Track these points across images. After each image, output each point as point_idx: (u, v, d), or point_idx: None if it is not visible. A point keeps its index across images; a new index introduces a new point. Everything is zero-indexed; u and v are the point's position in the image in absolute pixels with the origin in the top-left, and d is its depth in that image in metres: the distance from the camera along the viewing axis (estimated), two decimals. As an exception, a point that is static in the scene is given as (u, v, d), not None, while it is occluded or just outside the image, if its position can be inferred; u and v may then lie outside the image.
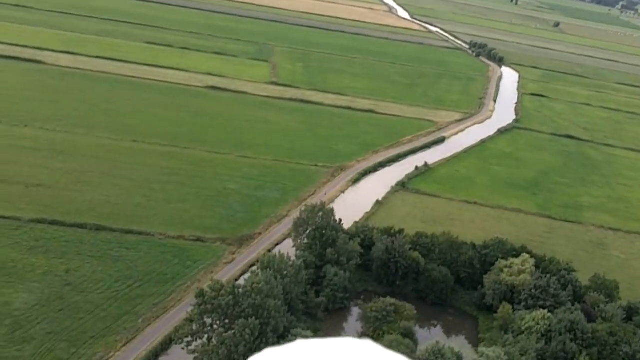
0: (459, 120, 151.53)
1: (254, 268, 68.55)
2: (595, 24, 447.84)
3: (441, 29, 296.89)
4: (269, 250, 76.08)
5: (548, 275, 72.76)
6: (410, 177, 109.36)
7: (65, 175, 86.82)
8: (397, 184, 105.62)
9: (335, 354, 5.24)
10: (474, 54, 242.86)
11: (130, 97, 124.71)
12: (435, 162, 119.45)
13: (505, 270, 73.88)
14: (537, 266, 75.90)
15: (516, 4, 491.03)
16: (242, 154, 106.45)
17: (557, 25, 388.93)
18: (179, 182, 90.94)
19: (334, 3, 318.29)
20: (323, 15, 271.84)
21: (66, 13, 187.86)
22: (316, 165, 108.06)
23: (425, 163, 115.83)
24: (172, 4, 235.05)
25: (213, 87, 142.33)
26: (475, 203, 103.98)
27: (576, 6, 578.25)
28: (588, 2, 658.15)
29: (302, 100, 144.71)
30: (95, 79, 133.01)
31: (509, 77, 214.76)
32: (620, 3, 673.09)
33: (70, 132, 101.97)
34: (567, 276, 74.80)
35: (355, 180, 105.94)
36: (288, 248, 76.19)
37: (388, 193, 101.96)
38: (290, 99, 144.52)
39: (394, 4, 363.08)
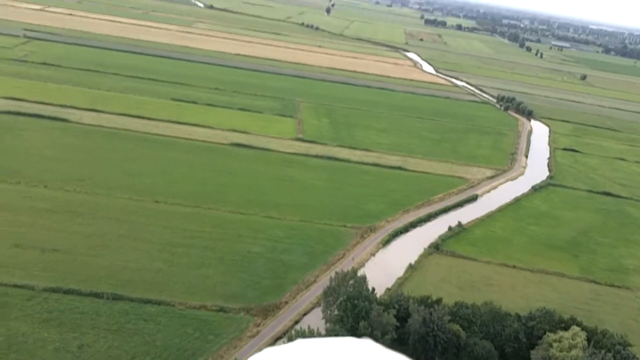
0: (491, 177, 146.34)
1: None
2: (622, 76, 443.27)
3: (467, 82, 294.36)
4: (296, 322, 70.87)
5: (602, 351, 66.32)
6: (443, 239, 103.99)
7: (83, 239, 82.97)
8: (430, 246, 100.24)
9: (335, 354, 5.36)
10: (502, 107, 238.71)
11: (153, 156, 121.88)
12: (469, 222, 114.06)
13: (555, 345, 67.60)
14: (588, 340, 69.52)
15: (541, 57, 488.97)
16: (267, 214, 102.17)
17: (584, 77, 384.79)
18: (202, 246, 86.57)
19: (358, 58, 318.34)
20: (347, 70, 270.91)
21: (92, 70, 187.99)
22: (345, 226, 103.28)
23: (459, 223, 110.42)
24: (197, 61, 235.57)
25: (238, 144, 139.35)
26: (514, 266, 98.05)
27: (601, 59, 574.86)
28: (613, 54, 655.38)
29: (328, 157, 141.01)
30: (119, 137, 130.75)
31: (539, 131, 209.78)
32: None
33: (91, 192, 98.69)
34: (622, 351, 68.26)
35: (386, 242, 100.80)
36: (317, 319, 70.93)
37: (421, 256, 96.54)
38: (317, 156, 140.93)
39: (418, 59, 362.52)
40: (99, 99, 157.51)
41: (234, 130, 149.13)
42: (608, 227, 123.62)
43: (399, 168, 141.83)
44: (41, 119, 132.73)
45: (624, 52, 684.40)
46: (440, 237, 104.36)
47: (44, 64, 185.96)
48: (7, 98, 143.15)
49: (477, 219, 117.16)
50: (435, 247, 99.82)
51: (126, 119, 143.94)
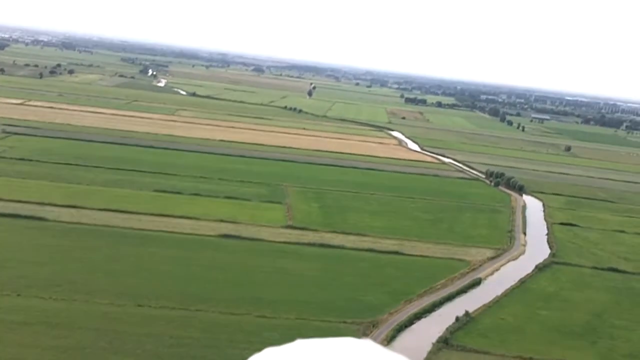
0: (492, 258, 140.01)
1: None
2: (605, 146, 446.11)
3: (453, 159, 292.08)
4: None
5: None
6: (451, 331, 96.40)
7: (58, 354, 74.72)
8: (438, 340, 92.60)
9: (335, 354, 5.40)
10: (492, 183, 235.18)
11: (135, 253, 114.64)
12: (476, 310, 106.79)
13: None
14: None
15: (523, 130, 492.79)
16: (261, 313, 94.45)
17: (568, 149, 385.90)
18: (191, 356, 78.45)
19: (343, 139, 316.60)
20: (333, 152, 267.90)
21: (72, 164, 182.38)
22: (345, 322, 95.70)
23: (466, 312, 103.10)
24: (181, 149, 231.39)
25: (226, 235, 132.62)
26: (531, 359, 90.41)
27: (582, 129, 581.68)
28: (592, 124, 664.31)
29: (321, 245, 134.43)
30: (99, 234, 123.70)
31: (533, 206, 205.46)
32: (624, 124, 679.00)
33: (68, 299, 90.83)
34: None
35: (391, 338, 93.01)
36: None
37: (430, 353, 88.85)
38: (309, 244, 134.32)
39: (402, 137, 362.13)
40: (79, 194, 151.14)
41: (222, 221, 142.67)
42: (622, 308, 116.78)
43: (396, 253, 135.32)
44: (17, 218, 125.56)
45: (602, 121, 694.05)
46: (448, 329, 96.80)
47: (22, 159, 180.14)
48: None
49: (484, 305, 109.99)
50: (445, 342, 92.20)
51: (107, 214, 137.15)
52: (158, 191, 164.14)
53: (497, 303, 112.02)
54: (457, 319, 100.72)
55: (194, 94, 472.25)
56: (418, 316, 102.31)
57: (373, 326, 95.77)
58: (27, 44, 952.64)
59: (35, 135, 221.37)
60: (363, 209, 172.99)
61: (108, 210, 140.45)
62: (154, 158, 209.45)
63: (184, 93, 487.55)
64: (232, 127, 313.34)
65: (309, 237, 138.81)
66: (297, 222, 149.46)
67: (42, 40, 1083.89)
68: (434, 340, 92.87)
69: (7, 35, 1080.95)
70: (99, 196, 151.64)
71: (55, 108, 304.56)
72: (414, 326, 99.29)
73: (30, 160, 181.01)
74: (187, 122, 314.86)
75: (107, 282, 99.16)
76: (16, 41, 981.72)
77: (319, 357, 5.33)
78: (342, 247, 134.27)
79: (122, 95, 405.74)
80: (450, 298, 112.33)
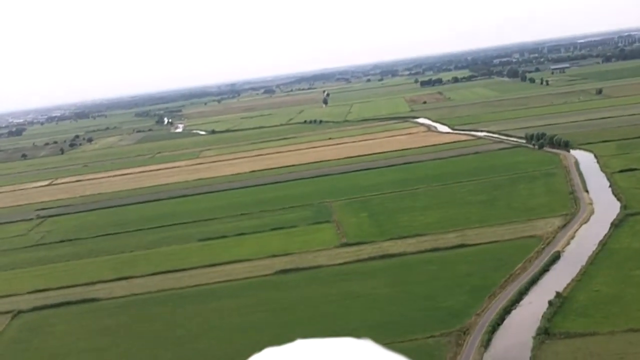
0: (562, 226, 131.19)
1: None
2: (636, 79, 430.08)
3: (488, 131, 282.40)
4: None
5: None
6: (548, 318, 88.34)
7: None
8: (538, 332, 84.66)
9: (335, 354, 5.46)
10: (536, 146, 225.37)
11: (196, 313, 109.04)
12: (566, 288, 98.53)
13: None
14: None
15: (547, 84, 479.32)
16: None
17: (599, 92, 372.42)
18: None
19: (371, 139, 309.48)
20: (365, 155, 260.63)
21: (112, 234, 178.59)
22: (432, 337, 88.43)
23: (557, 293, 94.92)
24: (214, 191, 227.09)
25: (283, 271, 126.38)
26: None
27: (606, 68, 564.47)
28: (614, 61, 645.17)
29: (382, 256, 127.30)
30: (156, 301, 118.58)
31: (585, 160, 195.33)
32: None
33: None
34: None
35: (487, 342, 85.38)
36: None
37: (534, 349, 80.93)
38: (369, 258, 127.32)
39: (429, 122, 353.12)
40: (126, 263, 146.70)
41: (275, 256, 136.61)
42: None
43: (462, 246, 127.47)
44: (69, 305, 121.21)
45: (623, 55, 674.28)
46: (544, 317, 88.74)
47: (62, 241, 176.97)
48: (30, 292, 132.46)
49: (573, 280, 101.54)
50: (545, 332, 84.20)
51: (159, 278, 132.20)
52: (203, 240, 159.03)
53: (585, 275, 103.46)
54: (550, 303, 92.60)
55: (213, 132, 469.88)
56: (507, 310, 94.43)
57: (464, 333, 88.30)
58: (42, 123, 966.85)
59: (69, 213, 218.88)
60: (413, 206, 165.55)
61: (158, 273, 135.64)
62: (190, 206, 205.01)
63: (203, 133, 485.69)
64: (259, 155, 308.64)
65: (367, 251, 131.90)
66: (351, 237, 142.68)
67: (55, 116, 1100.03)
68: (533, 333, 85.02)
69: (22, 120, 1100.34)
70: (146, 260, 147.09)
71: (82, 180, 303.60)
72: (506, 322, 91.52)
73: (70, 240, 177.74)
74: (213, 161, 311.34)
75: (175, 352, 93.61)
76: (31, 123, 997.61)
77: (318, 357, 5.17)
78: (404, 254, 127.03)
79: (144, 151, 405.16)
80: (534, 281, 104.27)
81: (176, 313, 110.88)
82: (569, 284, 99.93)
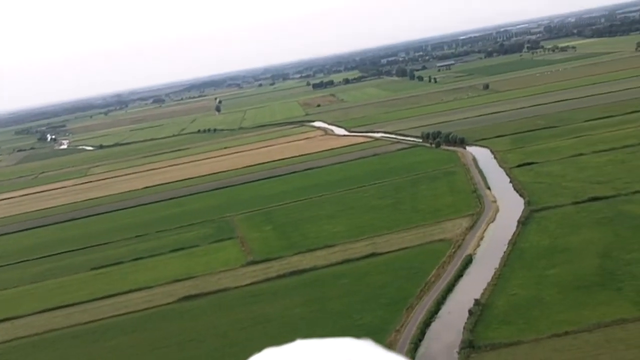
0: (470, 227, 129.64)
1: None
2: (519, 73, 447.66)
3: (384, 132, 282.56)
4: None
5: None
6: (470, 329, 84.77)
7: None
8: (462, 347, 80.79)
9: (335, 354, 5.33)
10: (433, 145, 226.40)
11: (90, 355, 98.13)
12: (483, 293, 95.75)
13: None
14: None
15: (435, 82, 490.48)
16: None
17: (486, 87, 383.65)
18: None
19: (268, 146, 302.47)
20: (264, 163, 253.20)
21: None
22: None
23: (476, 301, 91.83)
24: (106, 212, 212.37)
25: (186, 297, 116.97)
26: (567, 333, 79.73)
27: (489, 63, 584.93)
28: (496, 56, 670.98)
29: (292, 273, 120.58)
30: (45, 344, 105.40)
31: (482, 156, 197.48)
32: (525, 46, 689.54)
33: None
34: None
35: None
36: None
37: (461, 365, 76.94)
38: (278, 276, 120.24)
39: (325, 125, 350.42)
40: (8, 301, 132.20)
41: (176, 281, 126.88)
42: (625, 240, 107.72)
43: (373, 255, 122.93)
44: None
45: (504, 50, 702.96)
46: (465, 328, 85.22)
47: None
48: None
49: (489, 285, 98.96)
50: (470, 345, 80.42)
51: (46, 316, 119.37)
52: (96, 268, 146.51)
53: (500, 278, 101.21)
54: (470, 312, 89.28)
55: (100, 146, 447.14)
56: (427, 323, 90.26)
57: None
58: None
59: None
60: (318, 215, 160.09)
61: (46, 310, 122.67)
62: (80, 231, 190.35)
63: (90, 148, 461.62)
64: (152, 169, 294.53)
65: (275, 268, 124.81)
66: (257, 254, 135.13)
67: None
68: (457, 347, 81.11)
69: None
70: (31, 296, 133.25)
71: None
72: (428, 337, 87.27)
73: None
74: (102, 178, 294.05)
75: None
76: None
77: (318, 358, 5.16)
78: (315, 268, 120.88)
79: (26, 171, 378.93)
80: (450, 289, 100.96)
81: (67, 357, 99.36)
82: (485, 289, 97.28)
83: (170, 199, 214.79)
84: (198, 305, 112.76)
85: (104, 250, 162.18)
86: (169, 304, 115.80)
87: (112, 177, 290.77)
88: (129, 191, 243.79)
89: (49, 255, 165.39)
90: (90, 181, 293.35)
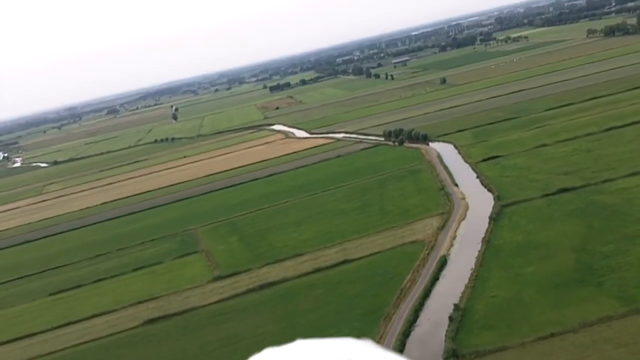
0: (442, 227, 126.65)
1: None
2: (474, 66, 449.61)
3: (345, 132, 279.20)
4: None
5: None
6: (452, 337, 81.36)
7: None
8: (446, 357, 77.24)
9: (335, 354, 5.18)
10: (396, 143, 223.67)
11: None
12: (462, 297, 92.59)
13: None
14: None
15: (392, 78, 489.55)
16: (233, 410, 75.64)
17: (443, 81, 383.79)
18: None
19: (228, 153, 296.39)
20: (225, 171, 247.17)
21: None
22: (333, 378, 78.27)
23: (456, 306, 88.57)
24: (62, 231, 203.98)
25: (151, 320, 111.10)
26: (552, 335, 76.86)
27: (443, 57, 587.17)
28: (449, 50, 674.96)
29: (261, 286, 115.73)
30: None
31: (446, 152, 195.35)
32: (478, 39, 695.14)
33: None
34: None
35: (393, 377, 76.69)
36: None
37: (446, 378, 73.34)
38: (247, 291, 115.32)
39: (285, 128, 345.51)
40: None
41: (140, 302, 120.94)
42: (598, 231, 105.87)
43: (344, 262, 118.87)
44: None
45: (457, 44, 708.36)
46: (447, 336, 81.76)
47: None
48: None
49: (466, 287, 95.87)
50: (454, 355, 76.97)
51: (3, 349, 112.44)
52: (54, 294, 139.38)
53: (477, 279, 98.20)
54: (451, 318, 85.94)
55: (55, 162, 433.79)
56: (407, 333, 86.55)
57: (366, 369, 78.98)
58: None
59: None
60: (285, 223, 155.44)
61: (3, 343, 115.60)
62: (36, 253, 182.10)
63: (45, 165, 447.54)
64: (110, 183, 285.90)
65: (244, 282, 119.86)
66: (224, 268, 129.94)
67: None
68: (440, 358, 77.53)
69: None
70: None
71: None
72: (408, 348, 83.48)
73: None
74: (58, 196, 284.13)
75: None
76: None
77: (318, 358, 5.12)
78: (285, 280, 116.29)
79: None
80: (427, 294, 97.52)
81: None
82: (464, 292, 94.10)
83: (130, 213, 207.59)
84: (164, 327, 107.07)
85: (63, 272, 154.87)
86: (133, 328, 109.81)
87: (68, 194, 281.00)
88: (87, 208, 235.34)
89: (3, 282, 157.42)
90: (46, 200, 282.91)
